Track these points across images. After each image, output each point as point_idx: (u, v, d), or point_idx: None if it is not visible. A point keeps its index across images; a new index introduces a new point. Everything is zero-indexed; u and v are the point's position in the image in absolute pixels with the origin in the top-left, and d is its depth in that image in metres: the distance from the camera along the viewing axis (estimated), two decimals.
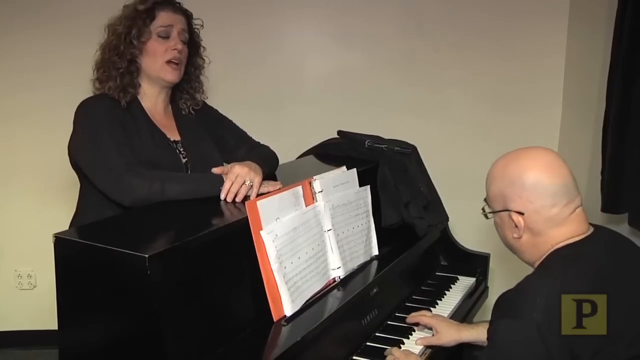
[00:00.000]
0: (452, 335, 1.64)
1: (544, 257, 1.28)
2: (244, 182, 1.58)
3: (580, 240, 1.26)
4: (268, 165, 1.80)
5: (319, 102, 2.83)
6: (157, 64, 1.70)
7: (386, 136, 2.12)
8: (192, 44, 1.82)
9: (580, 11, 2.63)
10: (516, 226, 1.28)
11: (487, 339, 1.23)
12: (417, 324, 1.72)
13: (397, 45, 2.80)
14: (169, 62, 1.70)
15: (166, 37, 1.70)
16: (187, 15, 1.79)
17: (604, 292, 1.17)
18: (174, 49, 1.70)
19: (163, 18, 1.71)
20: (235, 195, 1.56)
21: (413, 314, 1.73)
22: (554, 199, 1.25)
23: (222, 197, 1.56)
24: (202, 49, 1.87)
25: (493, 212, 1.35)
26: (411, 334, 1.70)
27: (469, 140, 2.82)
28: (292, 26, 2.88)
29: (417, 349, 1.62)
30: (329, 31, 2.84)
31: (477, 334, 1.63)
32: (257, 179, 1.60)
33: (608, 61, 2.10)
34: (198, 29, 1.84)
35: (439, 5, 2.77)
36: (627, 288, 1.23)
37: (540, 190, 1.24)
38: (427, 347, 1.64)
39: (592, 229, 1.31)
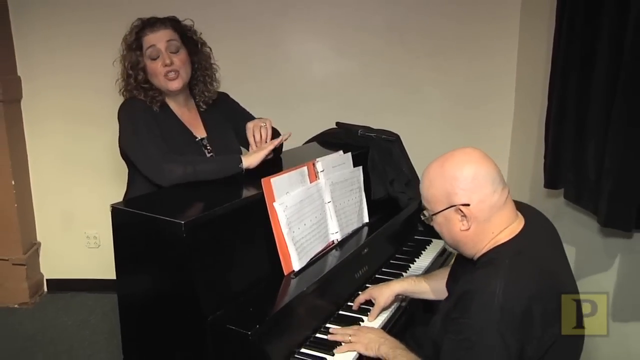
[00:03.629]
0: (385, 293, 1.46)
1: (486, 250, 1.12)
2: (260, 127, 1.64)
3: (520, 233, 1.11)
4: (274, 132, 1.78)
5: (320, 99, 2.79)
6: (160, 80, 1.60)
7: (375, 127, 2.09)
8: (189, 43, 1.66)
9: (529, 19, 2.57)
10: (465, 218, 1.10)
11: (451, 332, 1.08)
12: (363, 305, 1.51)
13: (383, 54, 2.75)
14: (165, 75, 1.59)
15: (157, 56, 1.59)
16: (172, 22, 1.63)
17: (545, 282, 1.05)
18: (165, 65, 1.58)
19: (146, 42, 1.59)
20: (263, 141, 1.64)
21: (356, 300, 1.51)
22: (493, 185, 1.10)
23: (254, 147, 1.62)
24: (201, 44, 1.69)
25: (436, 214, 1.14)
26: None
27: (440, 129, 2.78)
28: (299, 39, 2.82)
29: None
30: (328, 43, 2.78)
31: (407, 285, 1.49)
32: (267, 121, 1.68)
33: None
34: (190, 28, 1.67)
35: (417, 20, 2.71)
36: (557, 271, 1.13)
37: (481, 180, 1.09)
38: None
39: (523, 220, 1.15)
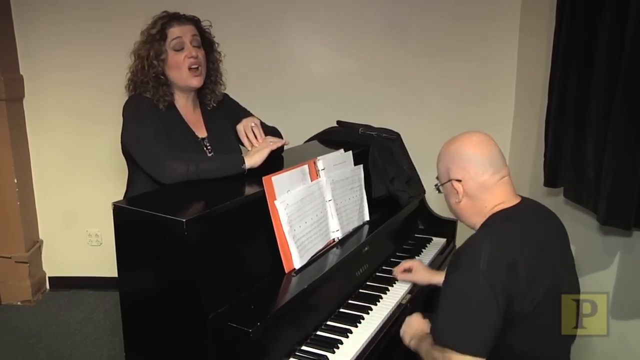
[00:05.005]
0: (425, 275, 1.63)
1: (484, 219, 1.24)
2: (251, 126, 1.64)
3: (513, 206, 1.24)
4: (270, 130, 1.77)
5: (321, 98, 2.78)
6: (182, 73, 1.59)
7: (376, 125, 2.08)
8: (206, 43, 1.68)
9: (529, 19, 2.57)
10: (457, 192, 1.25)
11: (443, 289, 1.17)
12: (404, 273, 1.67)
13: (384, 53, 2.74)
14: (190, 69, 1.59)
15: (181, 48, 1.59)
16: (194, 21, 1.65)
17: (529, 244, 1.16)
18: (190, 57, 1.58)
19: (172, 33, 1.58)
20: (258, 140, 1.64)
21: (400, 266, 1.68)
22: (483, 167, 1.23)
23: (250, 147, 1.61)
24: (215, 45, 1.71)
25: (441, 185, 1.32)
26: (395, 283, 1.68)
27: (440, 128, 2.75)
28: (300, 38, 2.82)
29: (404, 287, 1.63)
30: (329, 42, 2.78)
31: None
32: (256, 120, 1.69)
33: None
34: (208, 29, 1.70)
35: (417, 20, 2.70)
36: (546, 243, 1.21)
37: (472, 161, 1.23)
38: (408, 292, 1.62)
39: (520, 199, 1.28)
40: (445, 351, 1.13)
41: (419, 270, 1.65)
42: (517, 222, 1.20)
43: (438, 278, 1.59)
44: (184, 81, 1.61)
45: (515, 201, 1.25)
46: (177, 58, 1.59)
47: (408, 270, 1.67)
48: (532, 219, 1.25)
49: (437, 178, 1.34)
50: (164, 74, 1.60)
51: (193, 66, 1.60)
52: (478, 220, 1.26)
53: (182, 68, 1.59)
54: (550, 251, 1.20)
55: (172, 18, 1.61)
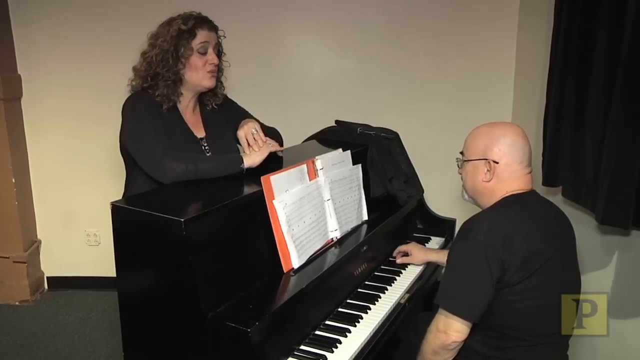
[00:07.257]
0: (420, 255, 1.79)
1: (496, 201, 1.33)
2: (252, 132, 1.63)
3: (522, 193, 1.33)
4: (269, 131, 1.78)
5: (320, 97, 2.78)
6: (200, 75, 1.61)
7: (374, 125, 2.08)
8: (218, 51, 1.72)
9: (527, 18, 2.57)
10: (488, 171, 1.32)
11: (448, 259, 1.30)
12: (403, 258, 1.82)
13: (382, 53, 2.74)
14: (208, 71, 1.62)
15: (204, 52, 1.61)
16: (217, 29, 1.69)
17: (530, 224, 1.25)
18: (212, 63, 1.62)
19: (201, 36, 1.60)
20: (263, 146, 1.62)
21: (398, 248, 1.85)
22: (521, 157, 1.32)
23: (249, 151, 1.60)
24: (223, 54, 1.76)
25: (469, 160, 1.37)
26: (393, 282, 1.68)
27: (439, 128, 2.78)
28: (300, 38, 2.81)
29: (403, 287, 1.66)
30: (328, 42, 2.78)
31: (439, 256, 1.77)
32: (256, 125, 1.67)
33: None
34: (221, 39, 1.72)
35: (415, 19, 2.70)
36: (547, 223, 1.31)
37: (515, 149, 1.31)
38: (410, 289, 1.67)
39: (533, 191, 1.37)
40: (441, 312, 1.25)
41: (415, 252, 1.80)
42: (523, 205, 1.30)
43: (432, 255, 1.80)
44: (199, 80, 1.62)
45: (526, 190, 1.34)
46: (198, 61, 1.60)
47: (405, 255, 1.81)
48: (539, 206, 1.35)
49: (462, 153, 1.41)
50: (181, 72, 1.60)
51: (212, 71, 1.63)
52: (491, 201, 1.34)
53: (200, 70, 1.61)
54: (551, 237, 1.28)
55: (203, 21, 1.62)
